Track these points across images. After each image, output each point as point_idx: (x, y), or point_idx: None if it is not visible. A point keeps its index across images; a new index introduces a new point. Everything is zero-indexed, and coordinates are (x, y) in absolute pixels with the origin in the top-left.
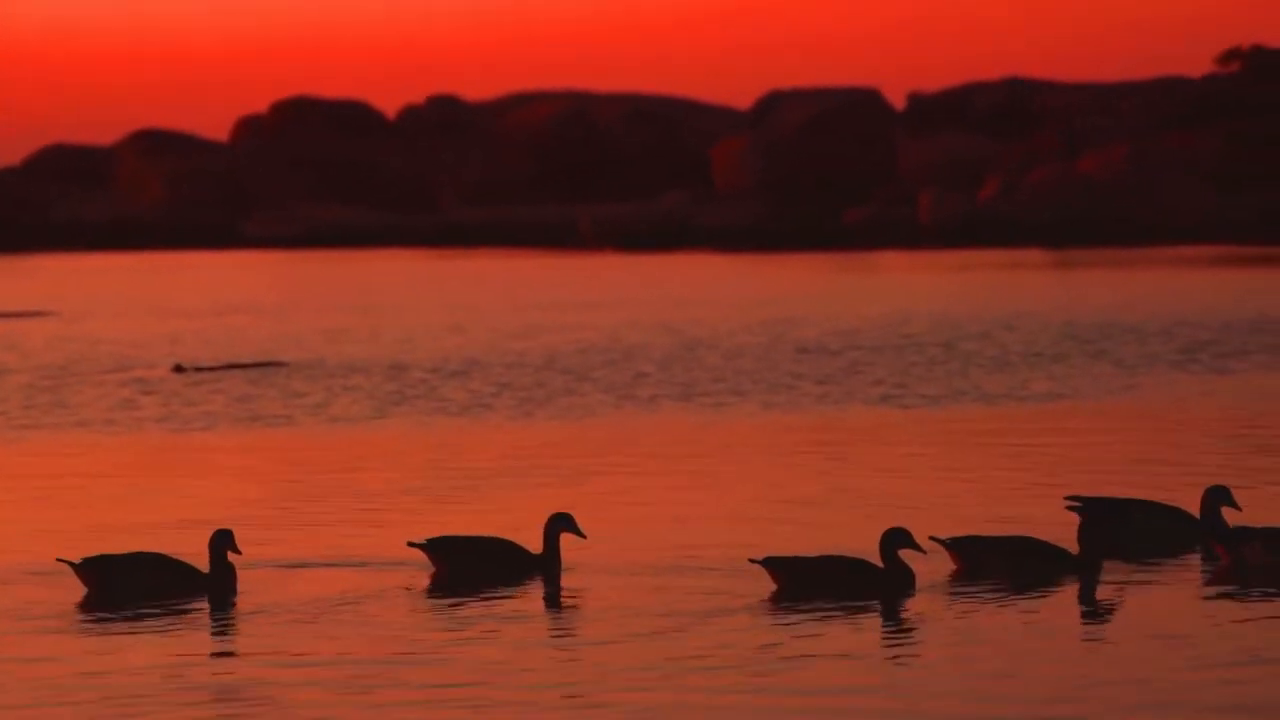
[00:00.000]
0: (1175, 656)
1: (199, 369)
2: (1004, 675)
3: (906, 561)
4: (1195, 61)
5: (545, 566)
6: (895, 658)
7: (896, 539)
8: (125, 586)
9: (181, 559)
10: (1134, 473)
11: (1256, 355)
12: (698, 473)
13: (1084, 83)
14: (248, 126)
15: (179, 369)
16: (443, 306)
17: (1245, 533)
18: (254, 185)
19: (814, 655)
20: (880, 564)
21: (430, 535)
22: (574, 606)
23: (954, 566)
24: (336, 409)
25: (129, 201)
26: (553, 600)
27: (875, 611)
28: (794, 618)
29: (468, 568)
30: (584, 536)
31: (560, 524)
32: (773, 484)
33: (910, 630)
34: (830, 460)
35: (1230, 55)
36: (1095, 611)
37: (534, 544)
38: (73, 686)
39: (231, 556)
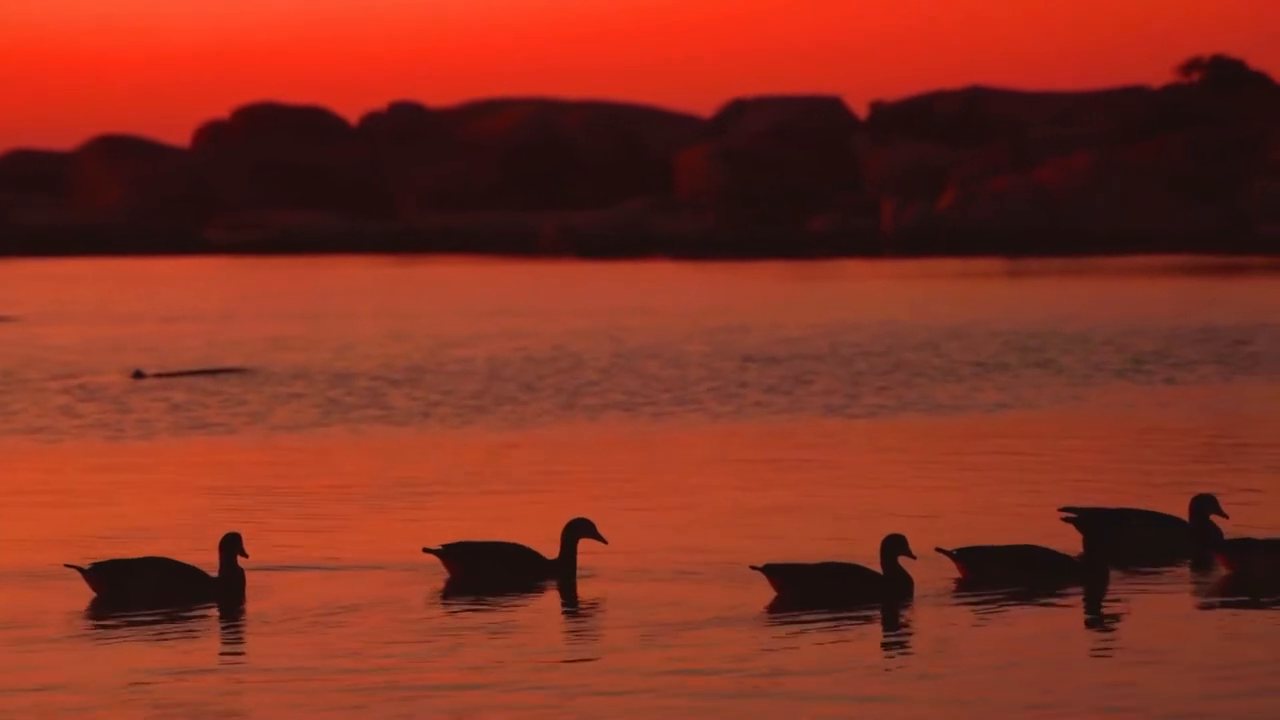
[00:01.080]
0: (1179, 669)
1: (159, 375)
2: (1002, 684)
3: (905, 568)
4: (1157, 71)
5: (560, 572)
6: (894, 665)
7: (896, 546)
8: (135, 591)
9: (190, 563)
10: (1091, 483)
11: (1201, 366)
12: (660, 481)
13: (1046, 92)
14: (210, 132)
15: (139, 375)
16: (398, 314)
17: (1249, 543)
18: (216, 191)
19: (813, 662)
20: (879, 570)
21: (444, 541)
22: (583, 613)
23: (958, 575)
24: (291, 416)
25: (90, 207)
26: (565, 605)
27: (875, 618)
28: (793, 625)
29: (483, 573)
30: (605, 542)
31: (580, 530)
32: (739, 493)
33: (910, 638)
34: (787, 470)
35: (1192, 65)
36: (1099, 622)
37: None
38: (80, 690)
39: (238, 560)
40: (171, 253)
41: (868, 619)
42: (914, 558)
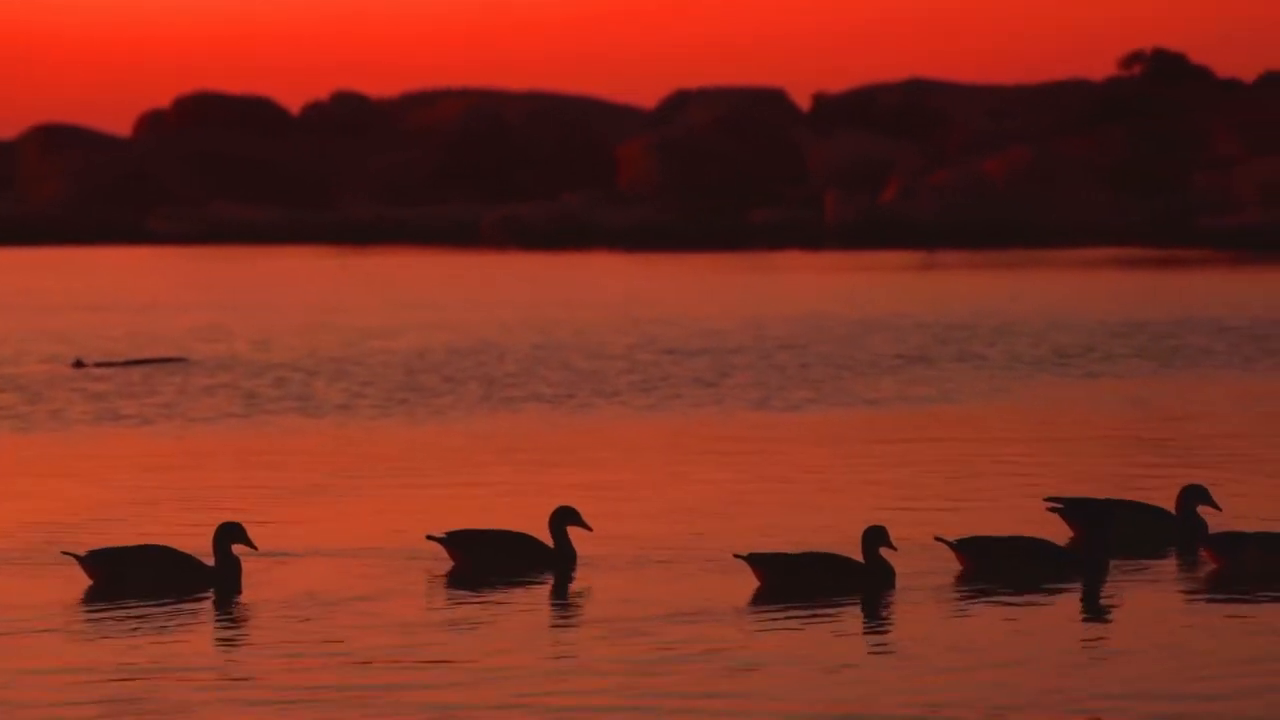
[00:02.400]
0: (1173, 663)
1: (99, 364)
2: (976, 679)
3: (887, 559)
4: (1098, 64)
5: (561, 560)
6: (872, 659)
7: (878, 537)
8: (131, 579)
9: (188, 552)
10: (1026, 477)
11: (1124, 360)
12: (603, 472)
13: (987, 85)
14: (151, 122)
15: (79, 364)
16: (332, 306)
17: (1238, 537)
18: (157, 181)
19: (799, 656)
20: (861, 560)
21: (444, 528)
22: (573, 603)
23: (959, 566)
24: (238, 404)
25: (30, 197)
26: (559, 594)
27: (856, 608)
28: (775, 614)
29: (486, 561)
30: (590, 529)
31: (566, 517)
32: (683, 483)
33: (890, 630)
34: (717, 466)
35: (1133, 58)
36: (1084, 618)
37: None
38: (79, 682)
39: (245, 550)
40: (113, 243)
41: (848, 610)
42: (895, 549)
